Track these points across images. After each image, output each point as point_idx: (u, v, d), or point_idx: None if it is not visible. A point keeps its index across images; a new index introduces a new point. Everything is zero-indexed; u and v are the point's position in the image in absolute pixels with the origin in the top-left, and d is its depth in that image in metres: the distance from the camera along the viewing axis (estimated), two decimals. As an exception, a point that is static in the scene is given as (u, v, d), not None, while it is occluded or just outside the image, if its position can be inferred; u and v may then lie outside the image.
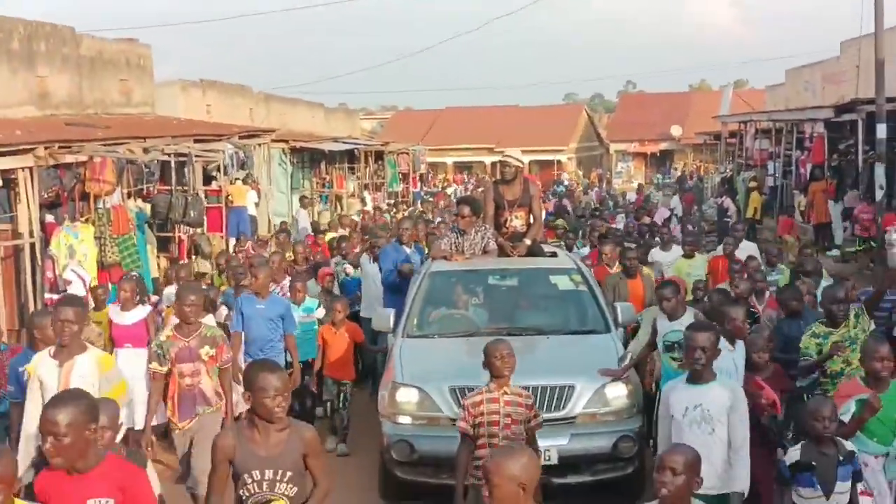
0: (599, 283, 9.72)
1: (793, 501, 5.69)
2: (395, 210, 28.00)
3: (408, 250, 10.86)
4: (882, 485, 6.01)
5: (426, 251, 11.29)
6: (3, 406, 7.69)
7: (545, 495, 5.89)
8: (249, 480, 4.64)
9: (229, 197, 18.55)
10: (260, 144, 22.38)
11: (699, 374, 5.67)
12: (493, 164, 45.03)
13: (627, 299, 9.84)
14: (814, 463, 5.58)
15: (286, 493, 4.66)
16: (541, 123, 53.38)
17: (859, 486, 5.71)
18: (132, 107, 22.48)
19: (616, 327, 8.62)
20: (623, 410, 7.57)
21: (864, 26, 18.62)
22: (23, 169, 12.35)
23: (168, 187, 16.32)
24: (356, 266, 12.00)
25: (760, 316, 8.92)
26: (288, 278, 10.93)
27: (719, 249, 12.31)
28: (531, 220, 9.92)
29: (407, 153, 35.74)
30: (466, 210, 9.63)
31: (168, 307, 9.90)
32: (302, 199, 24.37)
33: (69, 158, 13.34)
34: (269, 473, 4.63)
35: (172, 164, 16.30)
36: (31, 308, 11.77)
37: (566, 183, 43.57)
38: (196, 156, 17.06)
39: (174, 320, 7.73)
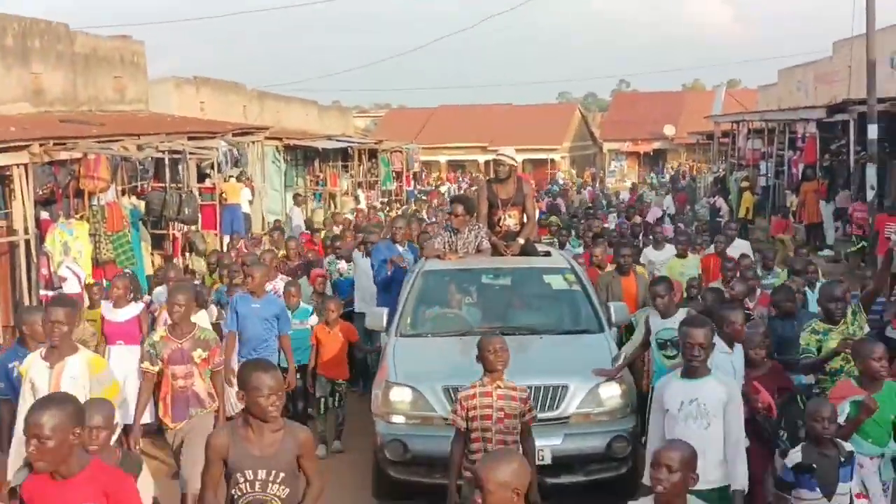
0: (592, 282, 9.69)
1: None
2: (388, 208, 28.01)
3: (400, 249, 10.84)
4: (877, 486, 5.99)
5: (419, 250, 11.30)
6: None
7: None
8: (242, 480, 4.63)
9: (223, 194, 18.56)
10: (254, 142, 22.39)
11: (695, 370, 5.64)
12: (487, 163, 45.07)
13: (621, 297, 9.84)
14: (814, 465, 5.57)
15: (278, 494, 4.64)
16: (534, 122, 53.42)
17: (855, 489, 5.69)
18: (126, 104, 22.49)
19: (610, 327, 8.61)
20: (617, 410, 7.57)
21: (855, 27, 18.68)
22: (18, 166, 12.36)
23: (162, 184, 16.35)
24: (348, 259, 11.97)
25: (753, 315, 8.94)
26: (280, 277, 10.93)
27: (711, 248, 12.38)
28: (525, 219, 9.87)
29: (400, 151, 35.71)
30: (460, 209, 9.59)
31: (161, 306, 9.90)
32: (296, 196, 24.36)
33: (64, 155, 13.36)
34: (261, 474, 4.62)
35: (166, 162, 16.33)
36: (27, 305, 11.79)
37: (561, 182, 43.61)
38: (190, 153, 17.07)
39: (166, 317, 7.74)
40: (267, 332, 8.84)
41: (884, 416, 5.98)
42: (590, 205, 26.72)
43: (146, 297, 11.00)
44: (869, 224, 16.84)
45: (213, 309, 10.24)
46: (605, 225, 18.47)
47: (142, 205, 15.65)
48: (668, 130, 52.23)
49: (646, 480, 5.52)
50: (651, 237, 13.63)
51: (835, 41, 28.51)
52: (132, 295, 9.30)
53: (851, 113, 18.86)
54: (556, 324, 8.81)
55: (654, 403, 5.90)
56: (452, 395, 6.88)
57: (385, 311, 8.96)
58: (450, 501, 5.96)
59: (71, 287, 11.64)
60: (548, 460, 7.10)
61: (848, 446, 5.72)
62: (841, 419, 5.86)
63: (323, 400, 9.48)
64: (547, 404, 7.31)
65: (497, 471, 3.68)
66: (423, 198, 32.19)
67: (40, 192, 13.02)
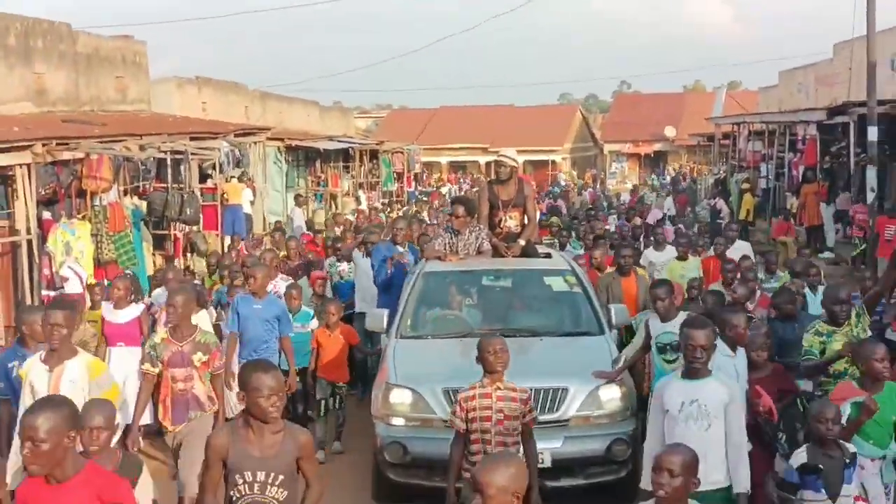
0: (592, 284, 9.67)
1: None
2: (389, 209, 28.04)
3: (401, 250, 10.85)
4: (878, 489, 5.96)
5: (420, 251, 11.31)
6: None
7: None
8: (241, 481, 4.62)
9: (225, 195, 18.58)
10: (255, 142, 22.41)
11: (696, 371, 5.60)
12: (488, 164, 45.05)
13: (621, 298, 9.83)
14: (821, 465, 5.55)
15: (277, 496, 4.62)
16: (535, 123, 53.42)
17: (855, 492, 5.68)
18: (128, 104, 22.53)
19: (610, 329, 8.59)
20: (617, 413, 7.54)
21: (856, 29, 18.71)
22: (20, 166, 12.41)
23: (164, 185, 16.37)
24: (349, 259, 11.96)
25: (754, 317, 8.93)
26: (280, 276, 10.94)
27: (711, 250, 12.39)
28: (525, 221, 9.86)
29: (401, 152, 35.73)
30: (461, 210, 9.59)
31: (161, 307, 9.89)
32: (297, 197, 24.38)
33: (66, 155, 13.40)
34: (260, 475, 4.60)
35: (168, 162, 16.35)
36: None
37: (563, 183, 43.63)
38: (192, 153, 17.11)
39: (166, 318, 7.74)
40: (268, 334, 8.80)
41: (885, 418, 5.97)
42: (591, 206, 26.74)
43: (147, 299, 11.01)
44: (870, 226, 16.86)
45: (212, 310, 10.24)
46: (606, 227, 18.50)
47: (144, 205, 15.68)
48: (669, 132, 52.25)
49: (644, 485, 5.52)
50: (652, 238, 13.65)
51: (835, 43, 28.53)
52: (133, 296, 9.28)
53: (852, 115, 18.87)
54: (557, 326, 8.79)
55: (654, 403, 5.86)
56: (452, 397, 6.83)
57: (385, 312, 8.94)
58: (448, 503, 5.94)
59: (73, 287, 11.67)
60: (548, 463, 7.06)
61: (851, 448, 5.72)
62: (842, 420, 5.85)
63: (323, 402, 9.46)
64: (547, 407, 7.27)
65: (496, 474, 3.67)
66: (425, 199, 32.22)
67: (43, 192, 13.06)
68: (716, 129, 34.07)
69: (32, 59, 18.55)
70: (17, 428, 6.05)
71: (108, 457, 5.14)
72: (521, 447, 5.94)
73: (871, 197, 17.25)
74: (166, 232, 16.10)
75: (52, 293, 11.97)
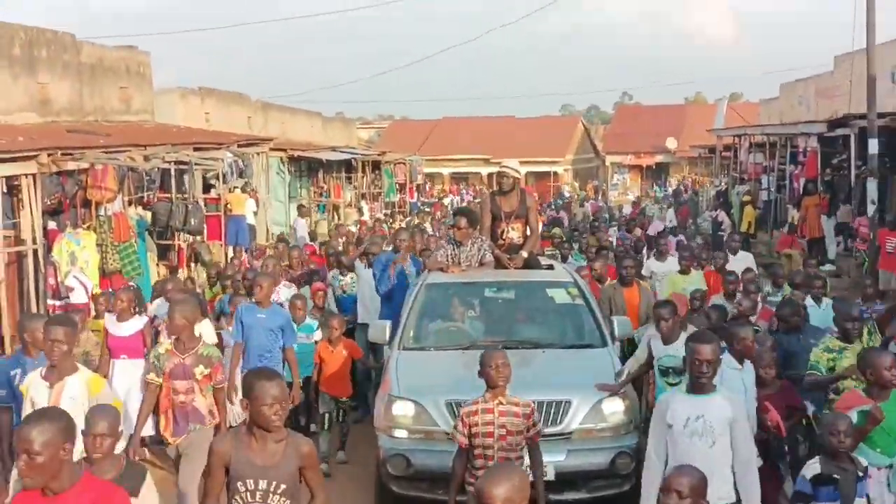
0: (594, 296, 9.65)
1: None
2: (391, 220, 28.09)
3: (403, 263, 10.83)
4: (886, 497, 5.92)
5: (422, 263, 11.30)
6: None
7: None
8: (243, 489, 4.62)
9: (228, 205, 18.65)
10: (258, 153, 22.47)
11: (701, 386, 5.53)
12: (490, 175, 45.13)
13: (623, 309, 9.83)
14: (836, 476, 5.52)
15: None
16: (537, 135, 53.50)
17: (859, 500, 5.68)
18: (132, 114, 22.60)
19: (613, 341, 8.57)
20: (620, 426, 7.50)
21: (856, 41, 18.80)
22: (26, 176, 12.46)
23: (168, 195, 16.44)
24: (351, 268, 11.94)
25: (759, 329, 8.91)
26: (283, 283, 10.93)
27: (712, 265, 12.36)
28: (528, 232, 9.84)
29: (404, 163, 35.80)
30: (463, 221, 9.58)
31: (163, 319, 9.90)
32: (300, 207, 24.42)
33: (72, 165, 13.43)
34: (262, 484, 4.60)
35: (172, 172, 16.41)
36: (34, 315, 11.85)
37: (567, 195, 43.67)
38: (196, 164, 17.17)
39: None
40: (272, 343, 8.78)
41: (892, 425, 5.96)
42: (594, 218, 26.80)
43: (149, 308, 11.04)
44: (871, 239, 16.91)
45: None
46: (608, 238, 18.54)
47: (148, 215, 15.75)
48: (671, 143, 52.31)
49: (644, 501, 5.54)
50: (655, 249, 13.67)
51: (836, 55, 28.59)
52: (136, 308, 9.26)
53: (852, 127, 18.91)
54: (559, 338, 8.77)
55: (656, 417, 5.79)
56: (455, 409, 6.82)
57: (388, 323, 8.93)
58: None
59: (78, 297, 11.73)
60: (551, 476, 7.00)
61: (864, 461, 5.70)
62: None
63: (327, 415, 9.44)
64: (550, 419, 7.24)
65: (500, 486, 3.68)
66: (427, 210, 32.26)
67: (48, 202, 13.11)
68: (717, 141, 34.12)
69: (37, 69, 18.63)
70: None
71: (112, 464, 5.13)
72: (525, 460, 5.92)
73: (871, 209, 17.29)
74: (170, 242, 16.16)
75: (58, 303, 12.03)
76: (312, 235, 21.38)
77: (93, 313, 10.32)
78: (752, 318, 9.17)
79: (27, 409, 6.21)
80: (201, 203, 16.99)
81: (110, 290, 11.78)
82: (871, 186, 17.24)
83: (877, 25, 17.51)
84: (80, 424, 4.81)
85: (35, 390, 6.26)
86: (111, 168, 13.80)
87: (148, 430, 7.72)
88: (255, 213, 20.65)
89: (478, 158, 51.68)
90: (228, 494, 4.69)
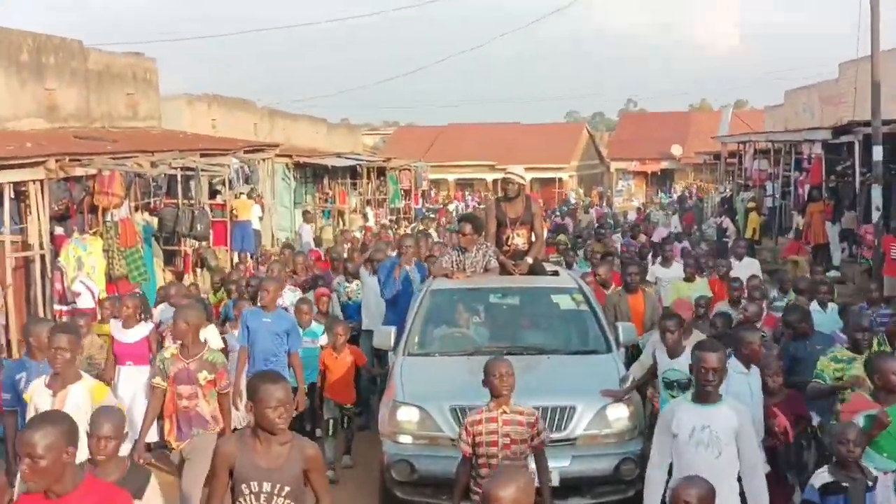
0: (599, 302, 9.63)
1: None
2: (396, 226, 28.14)
3: (408, 268, 10.80)
4: (892, 502, 5.91)
5: (427, 269, 11.31)
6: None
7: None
8: (247, 491, 4.64)
9: (234, 211, 18.71)
10: (264, 159, 22.55)
11: (707, 395, 5.51)
12: (495, 181, 45.17)
13: (628, 316, 9.82)
14: (846, 484, 5.50)
15: None
16: (542, 141, 53.45)
17: None
18: (139, 120, 22.69)
19: (617, 347, 8.56)
20: (625, 432, 7.49)
21: (861, 49, 18.81)
22: (34, 181, 12.53)
23: (174, 201, 16.51)
24: (356, 276, 11.94)
25: (766, 334, 8.90)
26: (288, 287, 10.94)
27: (715, 273, 12.35)
28: (533, 238, 9.86)
29: (409, 169, 35.85)
30: (468, 228, 9.57)
31: (168, 326, 9.91)
32: (305, 213, 24.48)
33: (79, 171, 13.51)
34: (266, 486, 4.62)
35: (179, 178, 16.48)
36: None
37: (573, 201, 43.67)
38: (202, 170, 17.24)
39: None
40: (277, 347, 8.77)
41: None
42: (598, 225, 26.81)
43: (154, 313, 11.07)
44: (875, 246, 16.93)
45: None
46: (614, 245, 18.55)
47: (154, 221, 15.82)
48: (676, 150, 52.33)
49: None
50: (660, 255, 13.68)
51: (840, 63, 28.59)
52: (141, 315, 9.26)
53: (857, 134, 18.91)
54: (564, 344, 8.78)
55: (661, 426, 5.77)
56: (460, 414, 6.84)
57: (392, 329, 8.91)
58: None
59: (85, 302, 11.77)
60: (556, 482, 6.93)
61: (873, 471, 5.69)
62: None
63: (331, 421, 9.41)
64: (554, 425, 7.24)
65: (506, 489, 3.70)
66: (432, 216, 32.30)
67: (55, 208, 13.18)
68: (722, 148, 34.12)
69: (44, 75, 18.73)
70: None
71: (116, 466, 5.14)
72: (531, 467, 5.91)
73: (876, 216, 17.30)
74: (177, 248, 16.22)
75: (65, 308, 12.09)
76: (317, 241, 21.46)
77: (98, 318, 10.35)
78: (758, 324, 9.19)
79: (31, 416, 6.21)
80: (207, 209, 17.06)
81: (116, 294, 11.84)
82: (876, 193, 17.24)
83: (881, 33, 17.53)
84: (82, 432, 4.84)
85: (39, 398, 6.27)
86: (118, 174, 13.87)
87: (152, 436, 7.74)
88: (261, 219, 20.72)
89: (483, 165, 51.70)
90: (233, 496, 4.71)
